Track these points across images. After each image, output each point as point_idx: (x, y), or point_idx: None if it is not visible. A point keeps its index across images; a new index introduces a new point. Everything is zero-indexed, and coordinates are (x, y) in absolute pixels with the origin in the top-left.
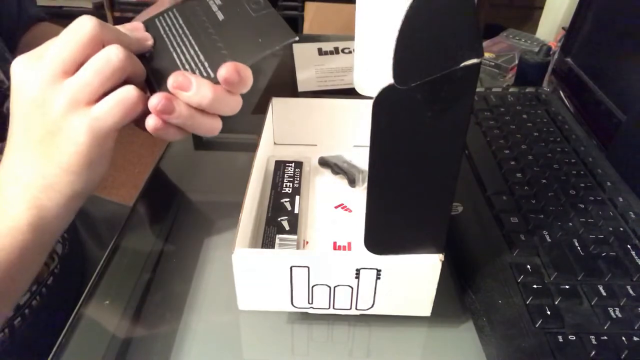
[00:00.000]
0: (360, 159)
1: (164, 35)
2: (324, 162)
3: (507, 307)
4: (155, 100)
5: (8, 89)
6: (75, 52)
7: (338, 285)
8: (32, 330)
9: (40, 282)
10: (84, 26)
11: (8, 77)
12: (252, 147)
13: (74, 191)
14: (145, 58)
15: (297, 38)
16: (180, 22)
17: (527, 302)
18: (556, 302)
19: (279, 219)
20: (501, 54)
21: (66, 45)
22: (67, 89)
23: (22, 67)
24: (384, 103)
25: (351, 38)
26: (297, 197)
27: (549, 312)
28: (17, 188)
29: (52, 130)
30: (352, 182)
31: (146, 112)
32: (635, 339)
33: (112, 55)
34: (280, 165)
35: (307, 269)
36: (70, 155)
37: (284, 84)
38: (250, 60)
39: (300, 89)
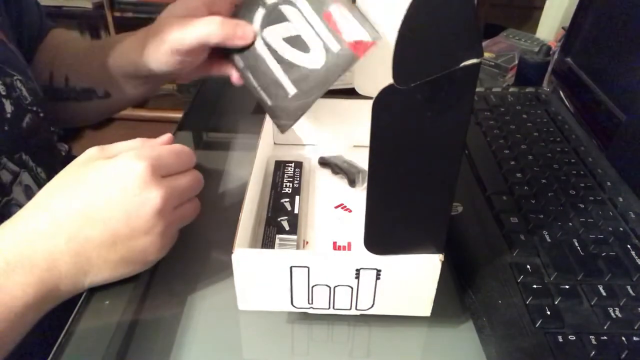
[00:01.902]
0: (360, 159)
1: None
2: (324, 162)
3: (507, 307)
4: None
5: (29, 104)
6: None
7: (338, 286)
8: (32, 330)
9: None
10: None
11: (30, 94)
12: (252, 147)
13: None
14: None
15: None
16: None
17: (527, 302)
18: (556, 302)
19: (279, 219)
20: (501, 54)
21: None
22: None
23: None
24: (384, 103)
25: None
26: (297, 197)
27: (549, 312)
28: (40, 272)
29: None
30: (352, 182)
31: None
32: (635, 339)
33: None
34: (280, 165)
35: (307, 269)
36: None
37: None
38: None
39: None
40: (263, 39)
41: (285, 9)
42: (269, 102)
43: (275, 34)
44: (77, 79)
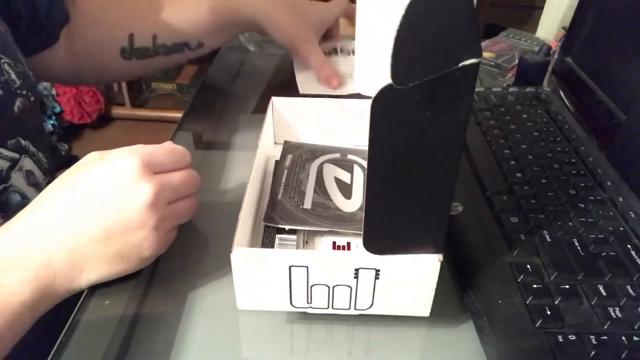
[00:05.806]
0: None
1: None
2: None
3: (507, 307)
4: None
5: (19, 88)
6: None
7: (337, 285)
8: (32, 330)
9: None
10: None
11: (19, 77)
12: (252, 147)
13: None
14: None
15: None
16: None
17: (527, 302)
18: (556, 302)
19: None
20: (501, 53)
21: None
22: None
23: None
24: (383, 103)
25: (351, 38)
26: None
27: (549, 312)
28: (37, 269)
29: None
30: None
31: None
32: (635, 339)
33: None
34: None
35: (306, 268)
36: (141, 259)
37: (284, 83)
38: None
39: (301, 91)
40: (321, 165)
41: (357, 169)
42: (279, 196)
43: (332, 171)
44: (168, 35)
